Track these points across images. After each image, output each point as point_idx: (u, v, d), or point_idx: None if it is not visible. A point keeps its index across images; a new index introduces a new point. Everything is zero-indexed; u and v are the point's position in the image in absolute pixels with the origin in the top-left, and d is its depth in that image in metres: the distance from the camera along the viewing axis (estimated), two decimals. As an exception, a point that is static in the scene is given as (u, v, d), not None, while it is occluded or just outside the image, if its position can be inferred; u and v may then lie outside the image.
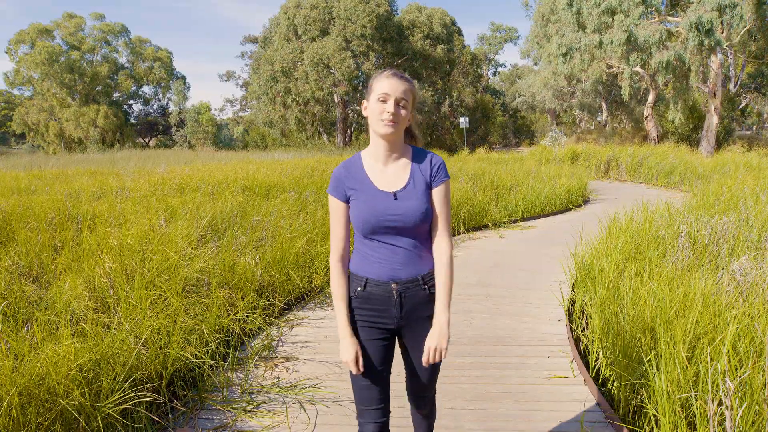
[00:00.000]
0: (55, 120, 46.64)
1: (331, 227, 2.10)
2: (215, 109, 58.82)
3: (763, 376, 2.57)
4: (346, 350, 2.01)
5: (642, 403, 3.12)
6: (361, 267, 2.06)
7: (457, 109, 37.09)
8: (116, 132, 47.31)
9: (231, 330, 4.21)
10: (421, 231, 2.03)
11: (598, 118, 39.24)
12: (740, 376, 2.58)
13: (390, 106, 1.95)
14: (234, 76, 54.82)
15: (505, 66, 60.52)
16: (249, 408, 3.32)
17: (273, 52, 33.42)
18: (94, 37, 48.31)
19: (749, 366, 2.61)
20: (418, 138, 2.21)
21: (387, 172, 2.05)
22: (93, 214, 6.64)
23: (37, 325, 3.19)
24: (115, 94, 50.61)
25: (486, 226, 9.56)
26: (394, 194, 2.00)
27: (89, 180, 11.74)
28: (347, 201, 2.05)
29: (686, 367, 2.80)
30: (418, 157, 2.09)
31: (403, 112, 1.99)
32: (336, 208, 2.07)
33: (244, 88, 52.53)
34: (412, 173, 2.05)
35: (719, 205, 7.15)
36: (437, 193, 2.06)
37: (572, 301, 4.98)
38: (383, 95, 1.96)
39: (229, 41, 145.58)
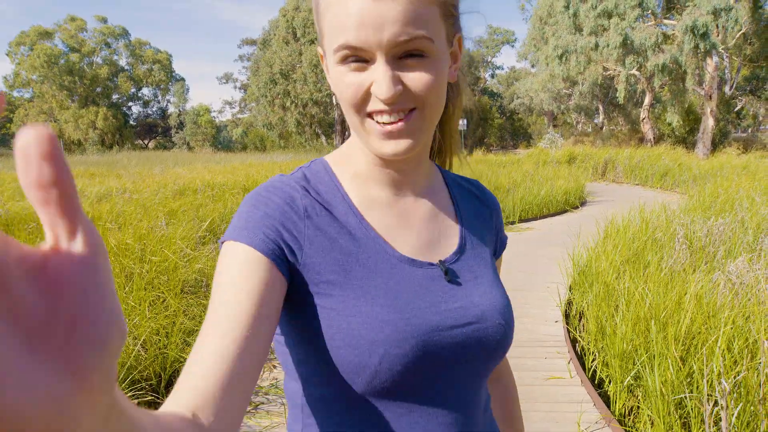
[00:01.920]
0: (54, 122, 46.65)
1: (194, 352, 0.58)
2: (214, 111, 59.16)
3: (757, 376, 2.60)
4: None
5: (638, 403, 3.15)
6: None
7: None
8: (115, 134, 47.38)
9: (230, 331, 4.22)
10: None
11: (595, 121, 39.38)
12: (735, 377, 2.62)
13: (385, 87, 0.65)
14: (232, 78, 54.97)
15: (503, 68, 60.84)
16: (247, 409, 3.34)
17: (272, 55, 33.52)
18: (94, 39, 48.42)
19: (744, 366, 2.65)
20: (452, 142, 0.94)
21: (407, 210, 0.79)
22: (92, 216, 6.65)
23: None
24: (115, 96, 50.69)
25: (484, 228, 9.58)
26: (445, 268, 0.76)
27: (89, 181, 11.75)
28: (305, 294, 0.69)
29: (680, 367, 2.83)
30: (455, 186, 0.91)
31: (423, 78, 0.67)
32: (237, 294, 0.62)
33: (242, 90, 52.66)
34: (461, 217, 0.85)
35: (715, 206, 7.20)
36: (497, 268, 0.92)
37: (569, 303, 5.01)
38: (346, 52, 0.66)
39: (228, 43, 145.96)
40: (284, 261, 0.68)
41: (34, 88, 46.91)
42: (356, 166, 0.79)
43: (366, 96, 0.68)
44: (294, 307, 0.70)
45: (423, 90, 0.68)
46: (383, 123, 0.69)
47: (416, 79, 0.67)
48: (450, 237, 0.81)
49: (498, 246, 0.91)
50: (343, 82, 0.68)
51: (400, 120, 0.68)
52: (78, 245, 0.27)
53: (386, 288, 0.70)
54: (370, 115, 0.69)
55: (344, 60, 0.67)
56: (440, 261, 0.76)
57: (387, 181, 0.78)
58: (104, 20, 49.22)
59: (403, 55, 0.66)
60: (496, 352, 0.75)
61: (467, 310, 0.73)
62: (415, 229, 0.78)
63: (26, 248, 0.25)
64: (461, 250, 0.80)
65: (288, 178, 0.76)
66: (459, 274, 0.77)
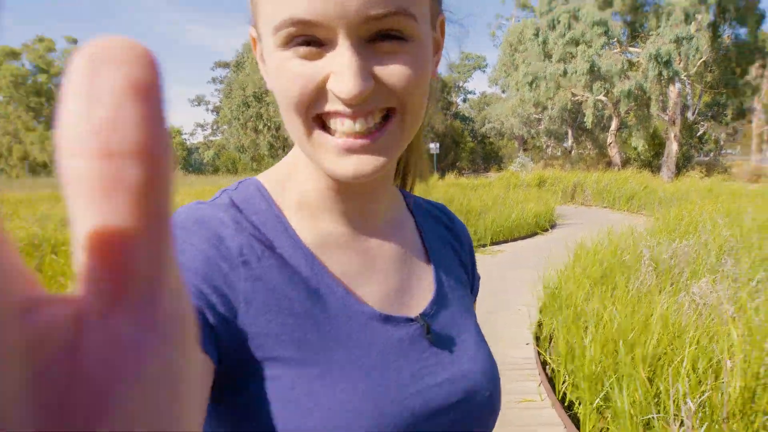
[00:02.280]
0: (20, 143, 45.72)
1: None
2: (186, 133, 58.81)
3: (721, 395, 2.66)
4: None
5: (607, 425, 3.18)
6: None
7: (427, 135, 37.67)
8: (83, 156, 46.59)
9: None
10: None
11: (564, 144, 40.25)
12: (700, 397, 2.67)
13: (352, 81, 0.46)
14: (204, 100, 54.81)
15: (474, 93, 62.04)
16: None
17: (245, 77, 33.56)
18: (64, 60, 47.89)
19: (708, 386, 2.71)
20: (418, 160, 0.73)
21: (370, 249, 0.59)
22: (56, 242, 6.50)
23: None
24: (83, 118, 49.96)
25: (456, 251, 9.66)
26: (426, 324, 0.57)
27: (55, 205, 11.50)
28: (234, 371, 0.49)
29: (647, 387, 2.87)
30: (421, 212, 0.70)
31: (404, 70, 0.48)
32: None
33: (215, 113, 52.52)
34: (431, 253, 0.66)
35: (679, 229, 7.40)
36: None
37: (540, 325, 5.05)
38: (293, 30, 0.46)
39: (201, 65, 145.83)
40: (210, 335, 0.46)
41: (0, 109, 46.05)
42: (301, 191, 0.57)
43: (318, 93, 0.48)
44: (224, 399, 0.49)
45: (403, 86, 0.49)
46: (343, 133, 0.49)
47: (394, 71, 0.48)
48: (422, 281, 0.62)
49: (474, 285, 0.73)
50: (287, 73, 0.48)
51: (369, 134, 0.49)
52: (149, 311, 0.13)
53: (351, 361, 0.51)
54: (320, 120, 0.50)
55: (288, 42, 0.47)
56: (420, 315, 0.58)
57: (343, 210, 0.58)
58: (74, 41, 48.76)
59: (375, 37, 0.48)
60: None
61: (455, 384, 0.56)
62: (383, 274, 0.59)
63: (39, 295, 0.12)
64: (439, 298, 0.61)
65: (210, 206, 0.53)
66: (441, 332, 0.58)
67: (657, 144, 28.58)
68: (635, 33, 26.30)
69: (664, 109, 24.71)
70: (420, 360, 0.55)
